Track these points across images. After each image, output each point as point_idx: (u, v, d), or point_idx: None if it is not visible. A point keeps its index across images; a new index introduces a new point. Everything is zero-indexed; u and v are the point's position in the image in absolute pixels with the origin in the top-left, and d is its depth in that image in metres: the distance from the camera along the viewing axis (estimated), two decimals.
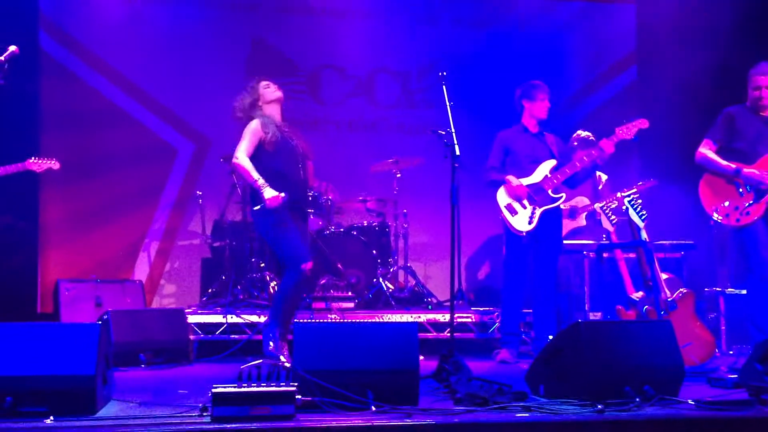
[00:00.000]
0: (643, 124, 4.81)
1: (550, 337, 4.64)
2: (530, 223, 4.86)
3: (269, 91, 4.71)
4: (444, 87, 4.41)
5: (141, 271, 7.04)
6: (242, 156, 4.49)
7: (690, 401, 3.23)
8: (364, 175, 6.51)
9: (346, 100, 7.54)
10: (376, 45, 7.36)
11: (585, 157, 4.86)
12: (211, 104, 7.02)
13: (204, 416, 2.99)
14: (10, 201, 6.26)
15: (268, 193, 4.38)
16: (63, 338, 3.12)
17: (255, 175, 4.42)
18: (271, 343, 4.47)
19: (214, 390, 2.91)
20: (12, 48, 4.11)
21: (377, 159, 6.39)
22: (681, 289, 4.51)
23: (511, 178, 4.91)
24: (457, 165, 4.27)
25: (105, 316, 4.73)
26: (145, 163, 7.09)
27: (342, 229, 6.21)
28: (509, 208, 4.91)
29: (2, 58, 4.07)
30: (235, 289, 5.84)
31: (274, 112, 4.68)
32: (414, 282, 6.26)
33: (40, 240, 6.84)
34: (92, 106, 7.01)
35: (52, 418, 2.97)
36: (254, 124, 4.58)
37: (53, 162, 5.03)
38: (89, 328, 3.19)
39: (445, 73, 4.44)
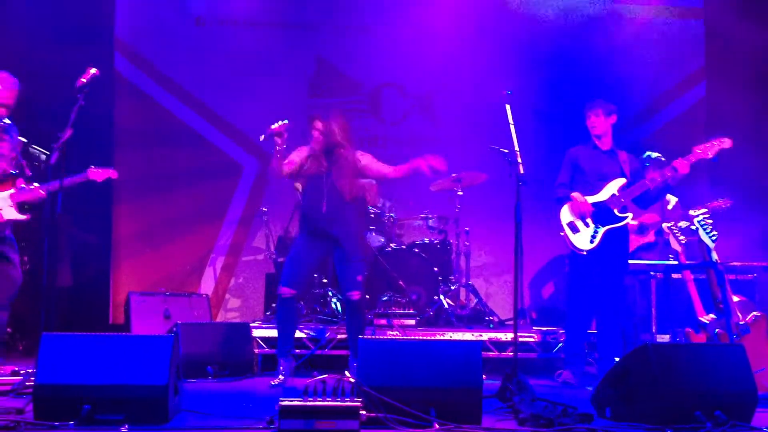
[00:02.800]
0: (726, 143, 4.57)
1: (616, 358, 4.56)
2: (591, 241, 4.80)
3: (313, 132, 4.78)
4: (507, 106, 4.42)
5: (207, 286, 7.22)
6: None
7: (765, 429, 3.13)
8: (426, 192, 6.51)
9: (406, 117, 7.60)
10: (436, 62, 7.40)
11: (657, 177, 4.77)
12: (275, 122, 7.15)
13: (271, 428, 3.06)
14: (86, 216, 6.54)
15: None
16: (138, 349, 3.25)
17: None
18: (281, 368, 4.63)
19: (281, 403, 2.98)
20: (93, 70, 4.31)
21: (439, 176, 6.37)
22: (754, 312, 4.38)
23: (575, 195, 4.87)
24: (521, 183, 4.27)
25: (174, 329, 4.87)
26: (212, 179, 7.30)
27: (403, 246, 6.22)
28: (571, 225, 4.87)
29: (84, 79, 4.27)
30: (298, 304, 5.92)
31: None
32: (475, 300, 6.23)
33: (113, 254, 7.10)
34: (162, 124, 7.28)
35: (126, 426, 3.09)
36: (303, 148, 4.77)
37: (112, 171, 5.24)
38: (163, 340, 3.31)
39: (509, 92, 4.44)
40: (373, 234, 6.14)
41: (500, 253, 7.15)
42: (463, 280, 6.35)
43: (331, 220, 4.59)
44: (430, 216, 6.44)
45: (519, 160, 4.27)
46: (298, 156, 4.73)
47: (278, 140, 4.51)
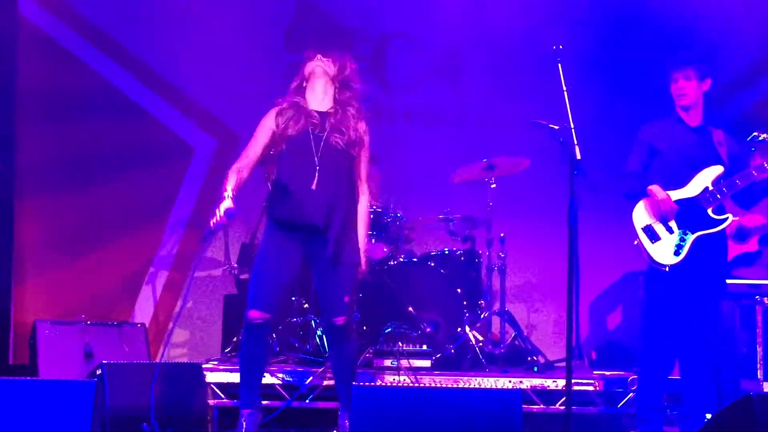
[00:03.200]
0: None
1: (708, 415, 4.54)
2: (677, 253, 4.78)
3: (308, 65, 4.67)
4: (559, 65, 4.39)
5: (144, 312, 7.21)
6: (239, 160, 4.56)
7: None
8: (446, 184, 6.49)
9: (421, 82, 7.58)
10: (464, 5, 7.39)
11: (766, 164, 4.76)
12: (239, 88, 7.14)
13: None
14: None
15: (221, 207, 4.26)
16: (48, 399, 3.23)
17: (228, 185, 4.37)
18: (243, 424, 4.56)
19: None
20: None
21: (463, 163, 6.36)
22: None
23: (655, 188, 4.84)
24: (577, 173, 4.25)
25: (98, 371, 4.86)
26: (152, 165, 7.29)
27: (415, 259, 6.20)
28: (649, 231, 4.85)
29: None
30: (271, 336, 5.91)
31: (312, 92, 4.66)
32: (513, 333, 6.23)
33: (14, 267, 7.06)
34: (84, 88, 7.27)
35: None
36: (268, 115, 4.65)
37: None
38: (81, 387, 3.31)
39: (561, 47, 4.41)
40: (373, 241, 6.12)
41: (548, 268, 7.14)
42: (497, 306, 6.33)
43: (322, 204, 4.47)
44: (452, 217, 6.42)
45: (574, 140, 4.23)
46: (267, 124, 4.62)
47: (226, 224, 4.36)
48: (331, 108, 4.64)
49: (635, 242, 4.89)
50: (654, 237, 4.84)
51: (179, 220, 7.38)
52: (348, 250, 4.58)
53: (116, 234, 7.20)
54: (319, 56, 4.65)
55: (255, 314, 4.52)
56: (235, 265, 6.63)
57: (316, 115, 4.59)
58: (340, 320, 4.60)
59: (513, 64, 7.37)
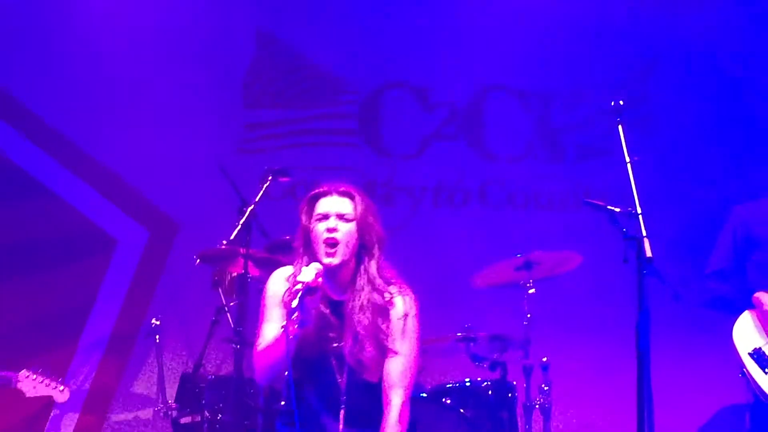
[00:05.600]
0: None
1: None
2: None
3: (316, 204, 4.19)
4: (620, 126, 4.39)
5: None
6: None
7: None
8: (466, 289, 6.50)
9: (429, 147, 7.63)
10: (486, 45, 7.48)
11: None
12: (179, 160, 7.19)
13: None
14: None
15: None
16: None
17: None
18: None
19: None
20: None
21: (490, 258, 6.36)
22: None
23: (763, 296, 4.87)
24: (647, 275, 4.17)
25: None
26: (58, 264, 7.32)
27: (423, 394, 6.13)
28: (758, 355, 4.88)
29: None
30: None
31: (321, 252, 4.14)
32: None
33: None
34: None
35: None
36: (269, 284, 4.23)
37: None
38: None
39: (621, 102, 4.42)
40: None
41: (610, 406, 7.11)
42: None
43: None
44: (475, 335, 6.31)
45: (643, 230, 4.20)
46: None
47: (308, 300, 3.95)
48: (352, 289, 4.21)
49: (740, 374, 4.92)
50: (766, 363, 4.85)
51: (96, 339, 7.38)
52: None
53: (5, 362, 7.08)
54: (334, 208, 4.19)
55: None
56: (174, 405, 6.53)
57: (331, 314, 4.20)
58: None
59: (555, 120, 7.48)
